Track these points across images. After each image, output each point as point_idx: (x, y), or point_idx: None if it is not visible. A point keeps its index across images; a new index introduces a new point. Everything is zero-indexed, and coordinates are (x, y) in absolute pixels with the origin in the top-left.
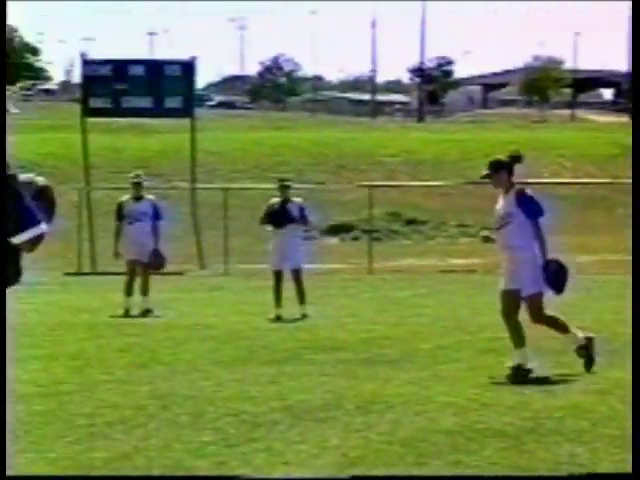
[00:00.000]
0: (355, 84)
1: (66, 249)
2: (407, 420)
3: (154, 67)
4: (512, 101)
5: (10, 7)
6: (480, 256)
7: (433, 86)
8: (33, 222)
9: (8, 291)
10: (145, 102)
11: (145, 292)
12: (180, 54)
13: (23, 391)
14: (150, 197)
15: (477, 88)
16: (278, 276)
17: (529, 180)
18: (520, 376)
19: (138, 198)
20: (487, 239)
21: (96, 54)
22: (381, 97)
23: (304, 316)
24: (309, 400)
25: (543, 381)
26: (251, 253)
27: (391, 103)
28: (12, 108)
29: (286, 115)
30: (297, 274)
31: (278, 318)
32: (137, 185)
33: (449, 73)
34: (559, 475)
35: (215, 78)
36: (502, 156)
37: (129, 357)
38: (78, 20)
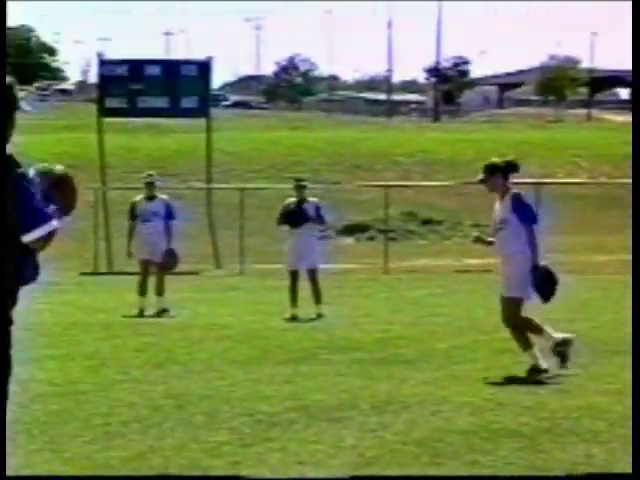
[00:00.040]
0: (371, 84)
1: (82, 249)
2: (423, 420)
3: (170, 67)
4: (528, 101)
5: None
6: (495, 256)
7: (449, 86)
8: (44, 219)
9: (25, 290)
10: (161, 102)
11: (160, 292)
12: (196, 54)
13: (39, 390)
14: (163, 197)
15: (493, 88)
16: (294, 276)
17: (545, 180)
18: (535, 376)
19: (151, 198)
20: (478, 239)
21: (112, 54)
22: (397, 97)
23: (320, 316)
24: (324, 400)
25: (559, 381)
26: (267, 253)
27: (407, 103)
28: (26, 106)
29: (302, 115)
30: (313, 274)
31: (294, 318)
32: (150, 185)
33: (465, 73)
34: (559, 475)
35: (231, 78)
36: (497, 160)
37: (145, 357)
38: (94, 20)
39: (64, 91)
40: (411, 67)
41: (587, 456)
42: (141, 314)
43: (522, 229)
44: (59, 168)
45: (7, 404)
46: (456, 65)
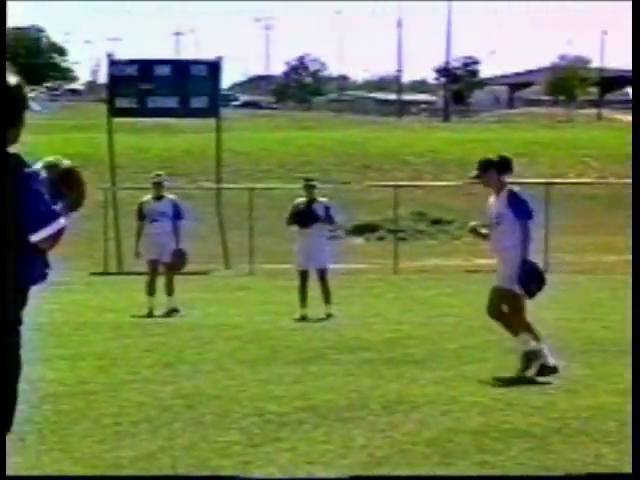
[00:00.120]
0: (380, 84)
1: (92, 249)
2: (432, 420)
3: (180, 67)
4: (538, 101)
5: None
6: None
7: (459, 86)
8: (51, 218)
9: (34, 290)
10: (171, 102)
11: (170, 292)
12: (206, 54)
13: (49, 390)
14: (171, 197)
15: (503, 88)
16: (304, 276)
17: (555, 180)
18: (544, 372)
19: (159, 198)
20: (474, 231)
21: (122, 54)
22: (407, 97)
23: (329, 316)
24: (334, 400)
25: (569, 381)
26: (276, 253)
27: (417, 103)
28: (36, 106)
29: (311, 115)
30: (322, 274)
31: (303, 318)
32: (157, 185)
33: (475, 73)
34: (558, 475)
35: (241, 78)
36: (492, 156)
37: (154, 357)
38: (104, 20)
39: (74, 91)
40: (421, 67)
41: (597, 456)
42: (150, 314)
43: (517, 225)
44: (66, 162)
45: (17, 404)
46: (466, 65)
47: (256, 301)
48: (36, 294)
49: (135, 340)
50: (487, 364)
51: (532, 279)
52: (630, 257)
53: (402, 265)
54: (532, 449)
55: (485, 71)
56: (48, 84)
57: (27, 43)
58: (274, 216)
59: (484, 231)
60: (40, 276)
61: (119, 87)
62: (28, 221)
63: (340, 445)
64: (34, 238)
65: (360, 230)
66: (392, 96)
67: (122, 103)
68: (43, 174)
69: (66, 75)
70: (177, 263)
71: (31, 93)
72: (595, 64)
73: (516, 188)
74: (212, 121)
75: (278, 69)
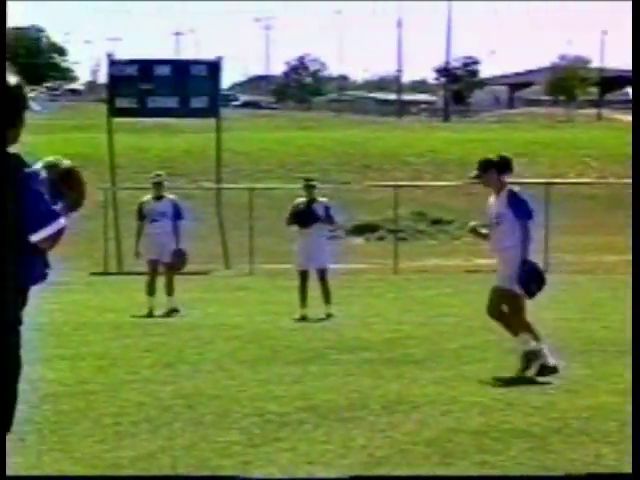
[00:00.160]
0: (380, 84)
1: (92, 249)
2: (433, 420)
3: (180, 67)
4: (538, 101)
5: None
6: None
7: (459, 86)
8: (51, 218)
9: (34, 290)
10: (171, 102)
11: (170, 292)
12: (206, 54)
13: (49, 390)
14: (171, 197)
15: (503, 88)
16: (304, 276)
17: (555, 180)
18: (544, 372)
19: (158, 198)
20: (473, 230)
21: (122, 54)
22: (407, 97)
23: (329, 316)
24: (334, 400)
25: (569, 381)
26: (276, 253)
27: (417, 103)
28: (36, 106)
29: (311, 115)
30: (322, 274)
31: (303, 318)
32: (157, 185)
33: (475, 73)
34: (558, 475)
35: (241, 78)
36: (492, 156)
37: (154, 357)
38: (104, 20)
39: (74, 91)
40: (421, 67)
41: (597, 456)
42: (150, 314)
43: (517, 225)
44: (66, 162)
45: (17, 404)
46: (466, 65)
47: (256, 301)
48: (36, 294)
49: (135, 340)
50: (487, 364)
51: (532, 279)
52: (630, 257)
53: (402, 265)
54: (532, 449)
55: (485, 71)
56: (48, 84)
57: (27, 43)
58: (274, 216)
59: (484, 231)
60: (40, 276)
61: (119, 87)
62: (28, 221)
63: (340, 445)
64: (34, 238)
65: (360, 230)
66: (392, 96)
67: (122, 103)
68: (43, 174)
69: (66, 75)
70: (177, 263)
71: (31, 93)
72: (595, 64)
73: (516, 188)
74: (212, 121)
75: (278, 69)
